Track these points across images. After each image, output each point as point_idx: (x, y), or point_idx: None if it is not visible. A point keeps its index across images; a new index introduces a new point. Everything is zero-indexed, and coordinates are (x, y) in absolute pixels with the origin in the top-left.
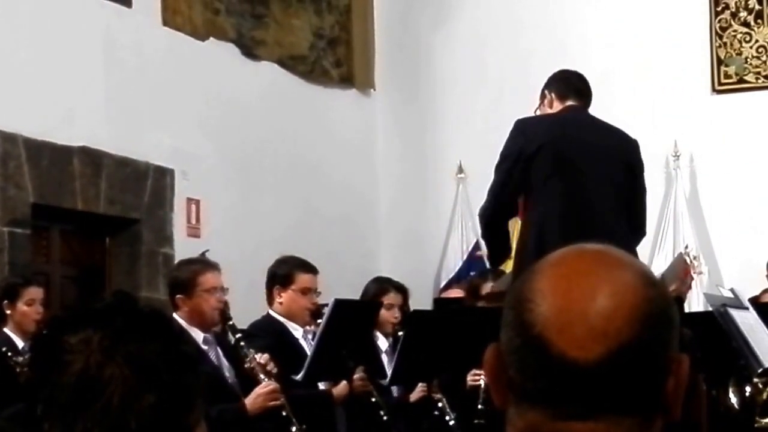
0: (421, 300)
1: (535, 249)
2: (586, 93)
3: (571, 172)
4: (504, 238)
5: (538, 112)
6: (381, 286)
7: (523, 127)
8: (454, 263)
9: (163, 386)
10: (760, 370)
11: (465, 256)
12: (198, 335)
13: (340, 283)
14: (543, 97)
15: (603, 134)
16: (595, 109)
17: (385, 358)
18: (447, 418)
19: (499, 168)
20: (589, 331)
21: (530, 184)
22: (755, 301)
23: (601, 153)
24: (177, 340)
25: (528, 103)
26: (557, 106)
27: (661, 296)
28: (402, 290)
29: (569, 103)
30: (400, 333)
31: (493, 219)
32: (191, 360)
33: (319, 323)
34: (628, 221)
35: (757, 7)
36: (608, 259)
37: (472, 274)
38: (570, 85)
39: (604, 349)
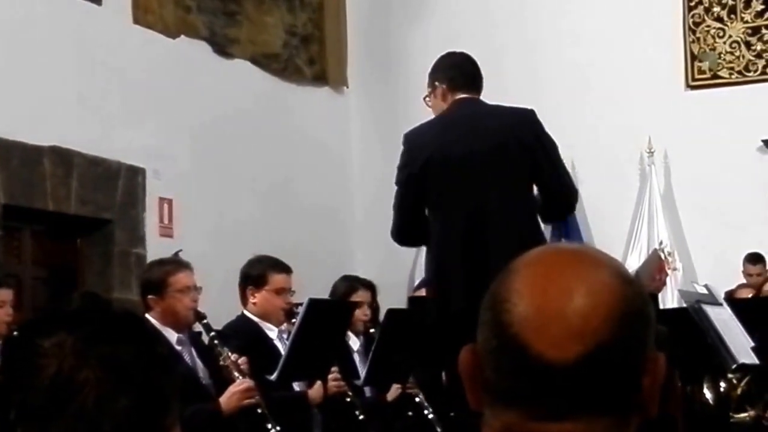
0: (395, 298)
1: (436, 272)
2: (478, 77)
3: (461, 184)
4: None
5: (428, 100)
6: (349, 284)
7: (407, 144)
8: None
9: (138, 388)
10: (734, 366)
11: None
12: (171, 336)
13: (314, 282)
14: (434, 87)
15: (490, 130)
16: (569, 105)
17: (357, 357)
18: (426, 412)
19: (397, 186)
20: (566, 331)
21: (425, 201)
22: (731, 296)
23: (494, 150)
24: (151, 342)
25: (501, 100)
26: (449, 99)
27: (638, 295)
28: (370, 287)
29: (460, 95)
30: (372, 330)
31: (400, 239)
32: (166, 361)
33: (294, 323)
34: (531, 205)
35: (731, 2)
36: (585, 258)
37: None
38: (461, 74)
39: (582, 348)
